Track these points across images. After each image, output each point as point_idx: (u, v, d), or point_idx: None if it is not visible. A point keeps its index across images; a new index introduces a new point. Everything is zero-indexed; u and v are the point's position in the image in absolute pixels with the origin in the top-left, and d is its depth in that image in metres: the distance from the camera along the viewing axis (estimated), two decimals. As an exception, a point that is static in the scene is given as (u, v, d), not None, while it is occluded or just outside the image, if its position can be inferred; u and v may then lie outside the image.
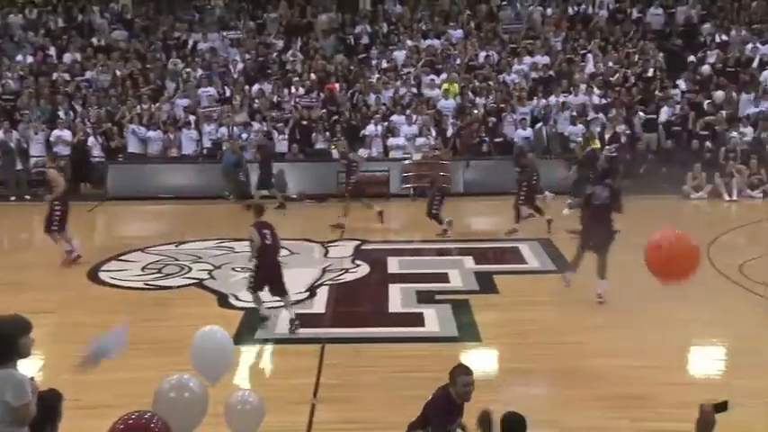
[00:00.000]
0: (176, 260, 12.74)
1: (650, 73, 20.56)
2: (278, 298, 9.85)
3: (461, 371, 5.83)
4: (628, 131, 18.71)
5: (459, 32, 22.36)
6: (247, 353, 9.02)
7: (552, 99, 19.49)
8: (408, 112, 19.15)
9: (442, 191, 14.46)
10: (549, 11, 23.39)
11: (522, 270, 12.25)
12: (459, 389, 5.70)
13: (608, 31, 22.41)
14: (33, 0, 23.57)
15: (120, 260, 12.88)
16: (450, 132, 18.81)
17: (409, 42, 21.79)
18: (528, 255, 12.99)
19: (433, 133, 18.54)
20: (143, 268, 12.35)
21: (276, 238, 9.85)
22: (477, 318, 9.99)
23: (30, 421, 4.35)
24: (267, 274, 9.79)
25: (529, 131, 18.81)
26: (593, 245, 10.62)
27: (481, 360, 8.92)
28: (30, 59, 21.04)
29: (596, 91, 19.76)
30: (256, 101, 19.48)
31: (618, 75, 20.37)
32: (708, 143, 18.36)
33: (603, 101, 19.61)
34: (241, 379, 8.14)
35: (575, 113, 19.04)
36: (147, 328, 9.69)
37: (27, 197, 17.82)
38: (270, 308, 10.26)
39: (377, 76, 20.58)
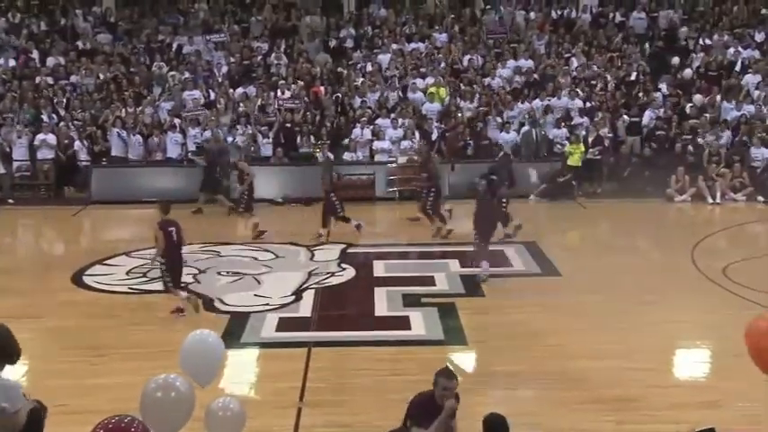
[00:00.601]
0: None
1: (633, 77, 20.72)
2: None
3: (443, 374, 5.90)
4: (611, 135, 18.85)
5: (443, 36, 22.44)
6: (233, 357, 8.99)
7: (536, 102, 19.59)
8: (393, 115, 19.18)
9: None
10: (533, 15, 23.53)
11: (507, 273, 12.29)
12: (439, 391, 5.77)
13: (591, 35, 22.56)
14: (16, 4, 23.41)
15: (105, 264, 12.79)
16: (434, 136, 18.85)
17: (394, 46, 21.84)
18: (513, 257, 13.04)
19: (417, 136, 18.58)
20: (128, 272, 12.27)
21: (180, 236, 10.24)
22: (464, 321, 10.02)
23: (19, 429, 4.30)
24: (175, 269, 10.21)
25: (513, 135, 18.89)
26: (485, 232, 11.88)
27: (467, 363, 8.94)
28: (12, 63, 20.89)
29: (580, 94, 19.89)
30: (241, 104, 19.44)
31: (601, 78, 20.54)
32: (690, 147, 18.51)
33: (587, 104, 19.75)
34: (227, 383, 8.11)
35: (558, 117, 19.18)
36: (132, 333, 9.66)
37: (10, 201, 17.69)
38: (255, 312, 10.26)
39: (362, 79, 20.60)
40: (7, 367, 4.47)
